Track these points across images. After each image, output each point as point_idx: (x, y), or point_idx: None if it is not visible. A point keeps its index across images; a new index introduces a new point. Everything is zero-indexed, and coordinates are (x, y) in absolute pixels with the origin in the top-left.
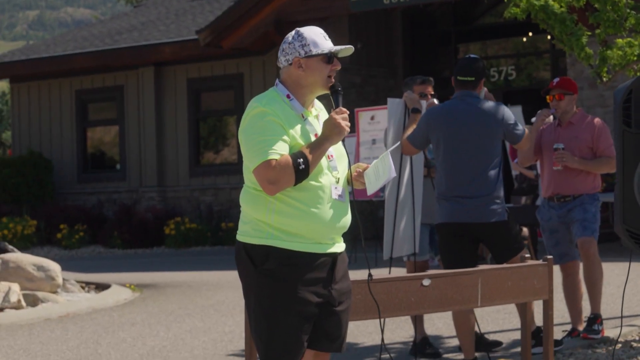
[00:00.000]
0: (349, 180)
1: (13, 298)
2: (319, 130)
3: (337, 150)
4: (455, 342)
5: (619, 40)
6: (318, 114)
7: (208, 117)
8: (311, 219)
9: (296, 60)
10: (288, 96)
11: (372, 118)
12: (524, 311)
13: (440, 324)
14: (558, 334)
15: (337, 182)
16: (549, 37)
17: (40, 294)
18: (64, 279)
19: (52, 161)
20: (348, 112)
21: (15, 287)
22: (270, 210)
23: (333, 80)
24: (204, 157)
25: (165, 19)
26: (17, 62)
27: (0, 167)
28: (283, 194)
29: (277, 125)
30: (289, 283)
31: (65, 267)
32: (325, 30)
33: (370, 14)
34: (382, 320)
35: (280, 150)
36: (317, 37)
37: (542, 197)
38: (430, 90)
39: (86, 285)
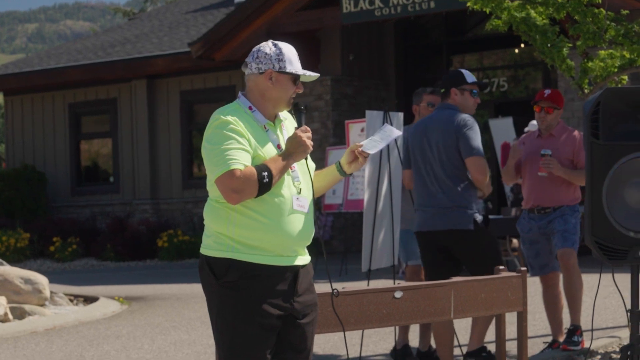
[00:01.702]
0: (344, 176)
1: (0, 311)
2: (282, 141)
3: (299, 163)
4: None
5: (602, 52)
6: (282, 123)
7: (201, 129)
8: (272, 231)
9: (269, 72)
10: (250, 108)
11: (363, 130)
12: (499, 323)
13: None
14: (539, 345)
15: (299, 192)
16: None
17: (27, 307)
18: (52, 292)
19: (46, 174)
20: (310, 130)
21: (2, 300)
22: (231, 223)
23: (290, 104)
24: (197, 169)
25: (158, 31)
26: (10, 76)
27: None
28: (243, 206)
29: (240, 136)
30: (249, 295)
31: (57, 280)
32: (318, 43)
33: (362, 25)
34: (362, 332)
35: (244, 161)
36: (293, 57)
37: (522, 209)
38: (439, 100)
39: (75, 298)
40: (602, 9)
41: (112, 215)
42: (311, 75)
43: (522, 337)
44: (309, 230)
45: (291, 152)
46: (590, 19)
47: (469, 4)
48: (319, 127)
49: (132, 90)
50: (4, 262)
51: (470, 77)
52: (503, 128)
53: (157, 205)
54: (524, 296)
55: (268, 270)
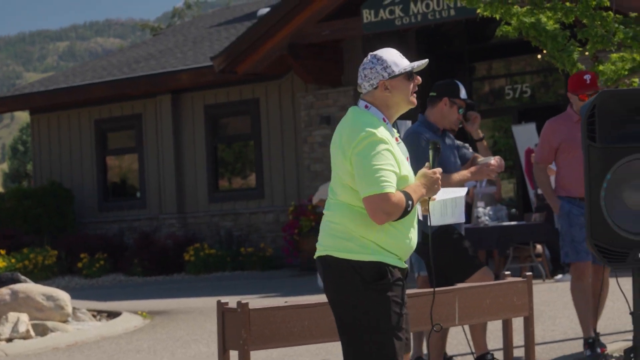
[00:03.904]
0: None
1: (22, 328)
2: (404, 153)
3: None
4: None
5: (613, 55)
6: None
7: (226, 142)
8: (407, 241)
9: (382, 83)
10: (384, 119)
11: None
12: (507, 329)
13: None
14: (556, 351)
15: None
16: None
17: (49, 324)
18: (74, 308)
19: (73, 191)
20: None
21: (24, 317)
22: (381, 230)
23: (415, 101)
24: (222, 182)
25: (182, 46)
26: (35, 94)
27: (21, 198)
28: None
29: (391, 156)
30: (396, 299)
31: (83, 296)
32: (340, 52)
33: (384, 35)
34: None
35: (394, 184)
36: (395, 58)
37: (571, 197)
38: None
39: (98, 313)
40: (610, 12)
41: (139, 230)
42: (420, 64)
43: (529, 342)
44: None
45: (426, 188)
46: (599, 23)
47: (478, 10)
48: None
49: (157, 105)
50: (27, 279)
51: (464, 93)
52: (526, 134)
53: (183, 219)
54: (530, 301)
55: (403, 273)
